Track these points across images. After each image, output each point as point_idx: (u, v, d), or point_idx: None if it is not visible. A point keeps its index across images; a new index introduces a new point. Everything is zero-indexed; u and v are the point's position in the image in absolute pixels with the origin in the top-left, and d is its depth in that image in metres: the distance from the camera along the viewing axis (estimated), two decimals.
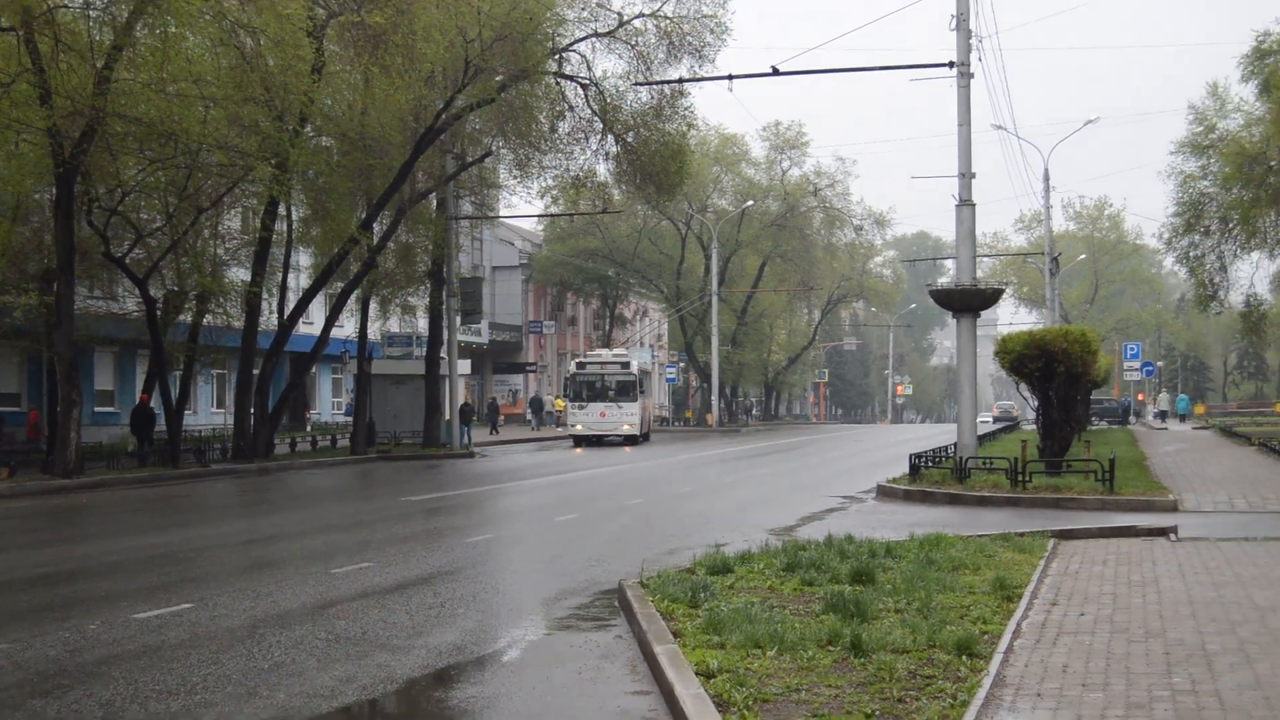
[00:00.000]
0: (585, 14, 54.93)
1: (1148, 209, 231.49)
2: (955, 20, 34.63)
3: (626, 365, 65.75)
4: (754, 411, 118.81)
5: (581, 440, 62.59)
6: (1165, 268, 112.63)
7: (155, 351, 47.99)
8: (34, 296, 43.06)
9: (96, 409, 54.49)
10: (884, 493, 32.72)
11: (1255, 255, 66.12)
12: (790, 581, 15.96)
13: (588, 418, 63.29)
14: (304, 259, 55.91)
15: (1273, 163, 55.88)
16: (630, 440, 62.71)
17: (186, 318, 49.22)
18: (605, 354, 70.74)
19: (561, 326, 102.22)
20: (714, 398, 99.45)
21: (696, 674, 11.01)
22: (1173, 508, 27.71)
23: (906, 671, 11.11)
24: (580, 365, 67.40)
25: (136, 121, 38.55)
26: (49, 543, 24.45)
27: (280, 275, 53.29)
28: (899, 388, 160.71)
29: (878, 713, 9.89)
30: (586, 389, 64.26)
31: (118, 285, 47.98)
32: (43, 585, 18.64)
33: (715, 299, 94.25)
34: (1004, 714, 9.84)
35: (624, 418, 63.27)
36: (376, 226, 53.01)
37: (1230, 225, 61.26)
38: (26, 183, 39.08)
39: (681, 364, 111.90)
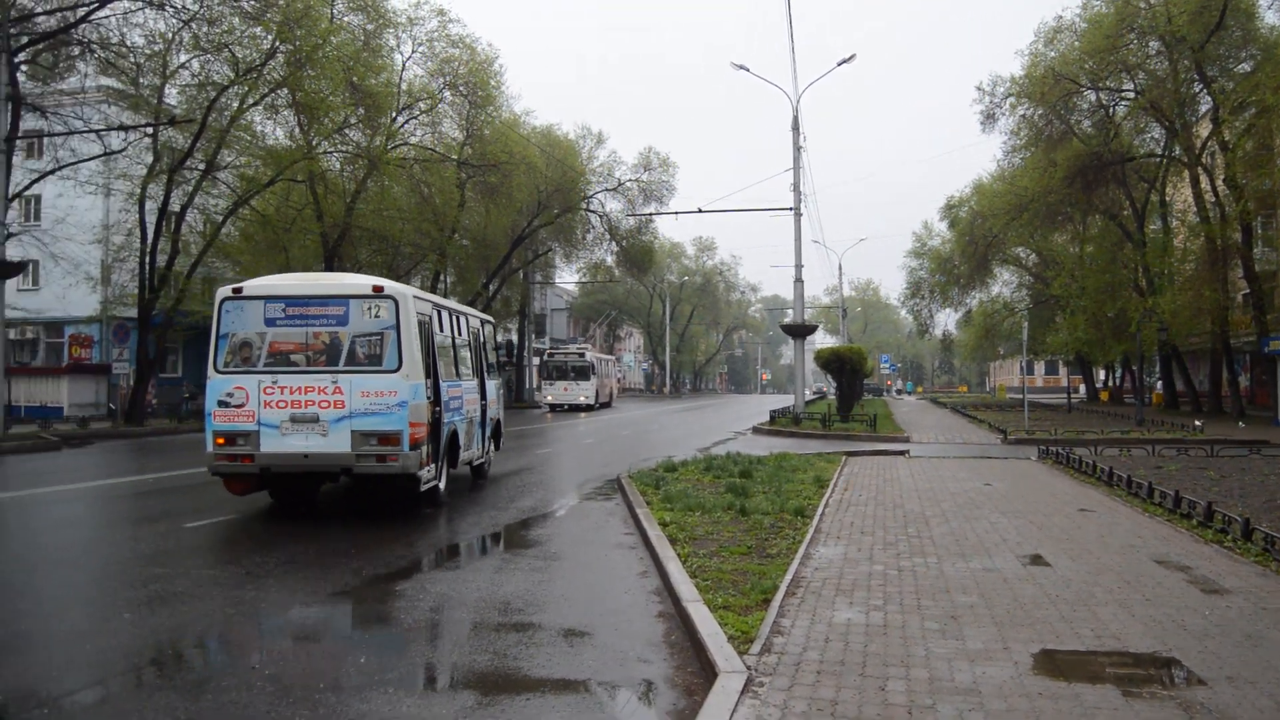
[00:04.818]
0: (600, 179, 55.40)
1: (892, 283, 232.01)
2: (793, 188, 34.79)
3: (582, 355, 54.71)
4: (688, 387, 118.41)
5: (553, 407, 51.96)
6: (901, 316, 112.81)
7: None
8: None
9: None
10: (756, 430, 32.51)
11: (947, 310, 66.94)
12: (707, 476, 15.84)
13: (555, 391, 52.35)
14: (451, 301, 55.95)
15: (956, 263, 56.45)
16: (586, 408, 51.92)
17: None
18: (570, 347, 60.55)
19: (587, 341, 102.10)
20: (667, 379, 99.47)
21: (659, 524, 11.01)
22: (907, 440, 27.65)
23: (769, 524, 11.08)
24: (550, 355, 55.86)
25: (367, 230, 38.60)
26: None
27: None
28: (764, 375, 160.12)
29: (754, 544, 9.88)
30: (555, 371, 53.04)
31: None
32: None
33: (667, 328, 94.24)
34: (820, 547, 9.83)
35: (580, 391, 52.26)
36: (491, 286, 53.04)
37: (934, 294, 62.12)
38: (310, 260, 38.97)
39: (649, 361, 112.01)
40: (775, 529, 10.85)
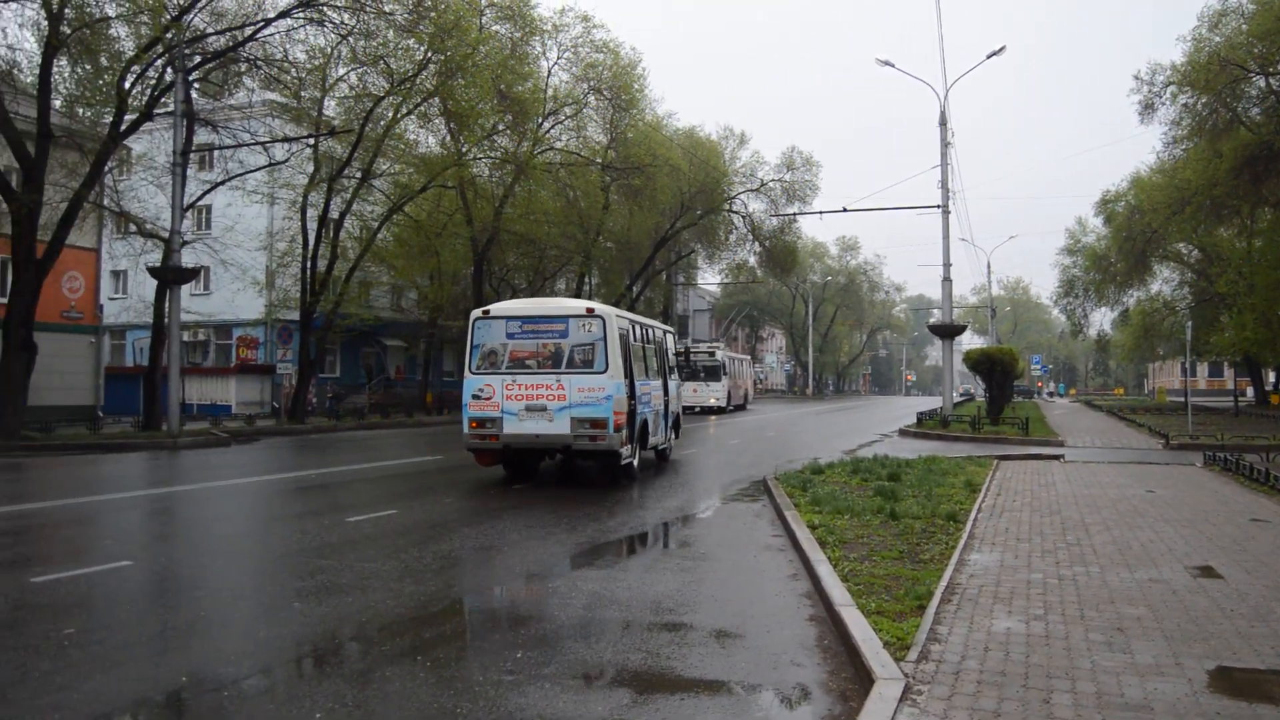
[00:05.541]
0: (743, 180, 55.25)
1: (1043, 282, 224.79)
2: (940, 185, 33.96)
3: (713, 354, 50.58)
4: (831, 388, 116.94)
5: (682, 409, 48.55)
6: (1053, 315, 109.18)
7: None
8: (462, 321, 43.98)
9: None
10: (903, 433, 31.92)
11: (1103, 309, 64.37)
12: (855, 479, 15.60)
13: (684, 392, 47.43)
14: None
15: (1112, 260, 54.41)
16: (717, 410, 48.90)
17: None
18: (700, 346, 56.04)
19: (729, 342, 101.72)
20: (809, 380, 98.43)
21: (807, 526, 10.90)
22: (1061, 444, 26.70)
23: (921, 529, 10.85)
24: (677, 354, 52.16)
25: (514, 234, 39.48)
26: None
27: None
28: (908, 376, 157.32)
29: (906, 549, 9.68)
30: (683, 371, 47.25)
31: None
32: (463, 470, 18.58)
33: (810, 329, 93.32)
34: (974, 553, 9.57)
35: (710, 393, 48.98)
36: (634, 288, 53.44)
37: (1089, 293, 60.07)
38: (459, 264, 40.01)
39: (791, 362, 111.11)
40: (927, 534, 10.62)
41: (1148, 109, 40.51)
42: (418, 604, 8.06)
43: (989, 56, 33.88)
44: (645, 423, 17.98)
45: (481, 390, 16.02)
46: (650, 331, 20.01)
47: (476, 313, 16.68)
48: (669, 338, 22.51)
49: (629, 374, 16.78)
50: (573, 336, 16.01)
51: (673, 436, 21.56)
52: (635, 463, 17.36)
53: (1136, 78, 40.59)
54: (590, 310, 16.27)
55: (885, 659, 5.95)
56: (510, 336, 16.25)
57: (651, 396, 18.78)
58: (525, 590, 8.73)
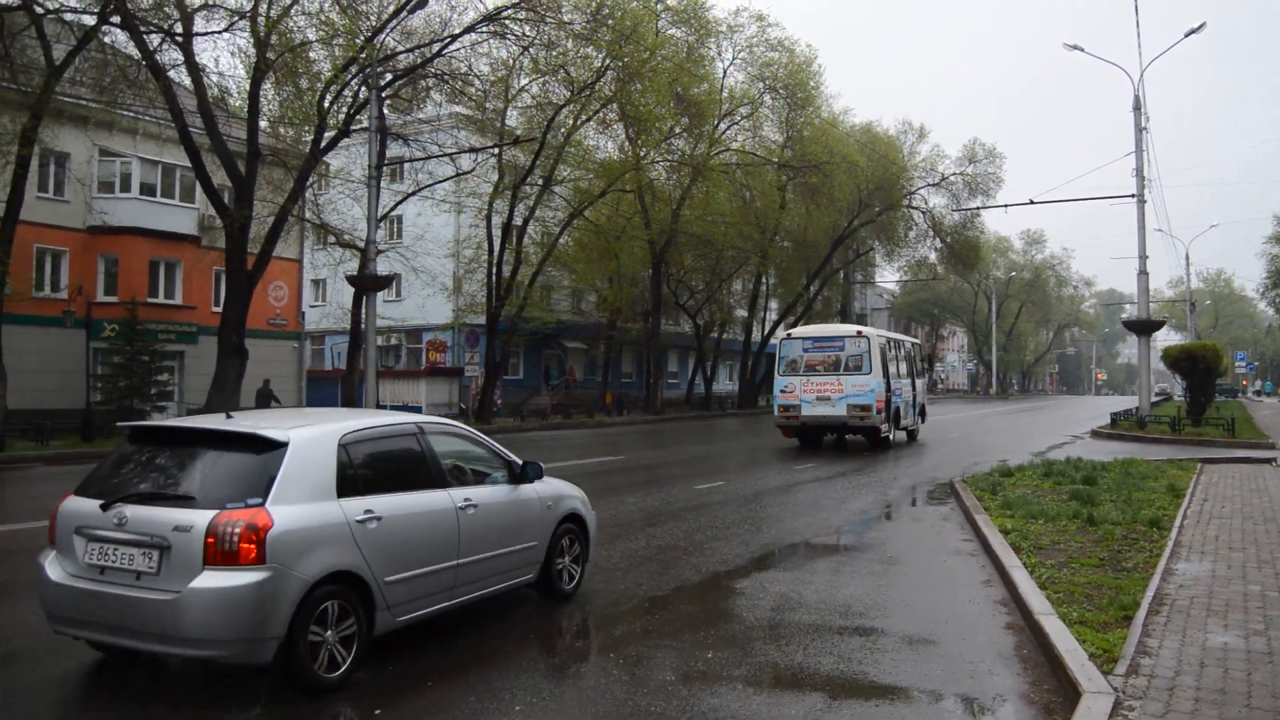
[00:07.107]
0: (923, 175, 53.98)
1: (1248, 273, 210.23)
2: (1135, 173, 32.23)
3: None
4: (1015, 387, 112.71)
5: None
6: (1259, 309, 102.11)
7: (699, 352, 49.30)
8: (640, 323, 44.50)
9: (669, 381, 55.69)
10: (1095, 434, 30.48)
11: None
12: (1047, 482, 14.94)
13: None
14: (773, 304, 55.96)
15: None
16: None
17: (715, 334, 50.32)
18: None
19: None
20: (994, 379, 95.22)
21: (999, 531, 10.53)
22: (1272, 447, 24.91)
23: (1121, 535, 10.31)
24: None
25: (691, 235, 39.65)
26: (649, 447, 25.12)
27: (761, 313, 53.75)
28: (1099, 375, 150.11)
29: (1107, 556, 9.23)
30: None
31: (681, 317, 49.12)
32: (645, 470, 19.20)
33: (993, 326, 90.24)
34: (1181, 562, 9.04)
35: None
36: (812, 288, 52.89)
37: None
38: (637, 266, 40.42)
39: (974, 360, 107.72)
40: (1128, 540, 10.07)
41: None
42: (607, 601, 8.17)
43: (1187, 35, 31.94)
44: (898, 409, 24.98)
45: (787, 387, 23.99)
46: (902, 344, 27.75)
47: (782, 334, 25.59)
48: (916, 348, 30.02)
49: (886, 374, 23.65)
50: (848, 350, 23.56)
51: (919, 421, 28.54)
52: (891, 437, 24.46)
53: None
54: (859, 332, 24.12)
55: (1092, 671, 5.67)
56: (805, 350, 24.08)
57: (902, 391, 25.88)
58: (712, 591, 8.74)
